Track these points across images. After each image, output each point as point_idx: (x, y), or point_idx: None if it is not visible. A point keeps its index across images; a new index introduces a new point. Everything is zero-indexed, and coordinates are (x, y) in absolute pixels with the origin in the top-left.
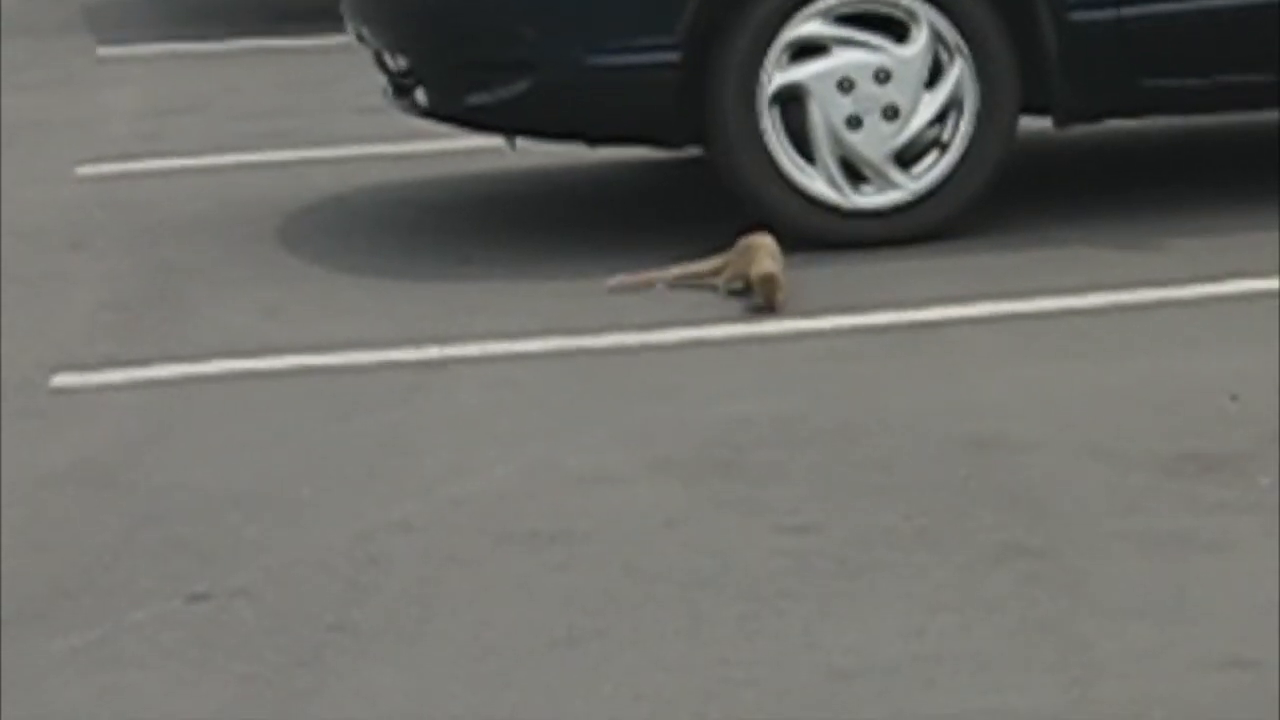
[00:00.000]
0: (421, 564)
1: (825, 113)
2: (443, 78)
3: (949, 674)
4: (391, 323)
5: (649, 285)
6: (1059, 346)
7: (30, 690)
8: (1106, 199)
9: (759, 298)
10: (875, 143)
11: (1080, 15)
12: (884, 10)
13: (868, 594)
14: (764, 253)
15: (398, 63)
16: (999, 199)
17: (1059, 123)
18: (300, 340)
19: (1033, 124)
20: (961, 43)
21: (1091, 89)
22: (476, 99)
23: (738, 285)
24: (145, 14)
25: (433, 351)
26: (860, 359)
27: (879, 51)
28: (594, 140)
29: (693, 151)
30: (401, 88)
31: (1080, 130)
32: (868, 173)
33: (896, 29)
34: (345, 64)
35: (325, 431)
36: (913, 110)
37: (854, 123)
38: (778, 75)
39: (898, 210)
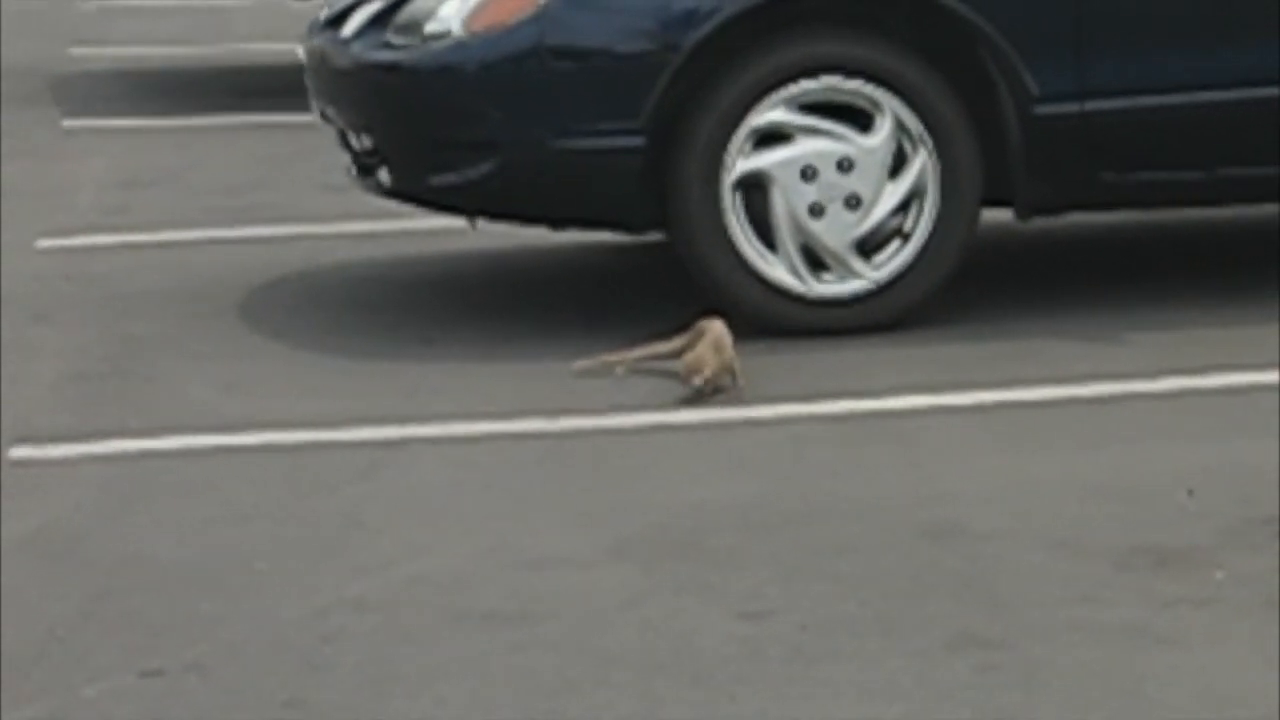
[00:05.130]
0: (377, 642)
1: (788, 200)
2: (406, 158)
3: None
4: (352, 401)
5: (610, 368)
6: (1018, 437)
7: None
8: (1067, 292)
9: (681, 382)
10: (837, 231)
11: (1044, 109)
12: (848, 100)
13: (823, 681)
14: (706, 340)
15: (362, 142)
16: (960, 290)
17: (1021, 215)
18: (260, 417)
19: (995, 216)
20: (925, 133)
21: (1054, 182)
22: (440, 180)
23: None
24: (112, 87)
25: (393, 431)
26: (819, 447)
27: (842, 140)
28: (557, 223)
29: (655, 236)
30: (365, 167)
31: (1042, 223)
32: (829, 261)
33: (860, 118)
34: (310, 142)
35: (283, 508)
36: (875, 200)
37: (816, 211)
38: (741, 162)
39: (859, 299)
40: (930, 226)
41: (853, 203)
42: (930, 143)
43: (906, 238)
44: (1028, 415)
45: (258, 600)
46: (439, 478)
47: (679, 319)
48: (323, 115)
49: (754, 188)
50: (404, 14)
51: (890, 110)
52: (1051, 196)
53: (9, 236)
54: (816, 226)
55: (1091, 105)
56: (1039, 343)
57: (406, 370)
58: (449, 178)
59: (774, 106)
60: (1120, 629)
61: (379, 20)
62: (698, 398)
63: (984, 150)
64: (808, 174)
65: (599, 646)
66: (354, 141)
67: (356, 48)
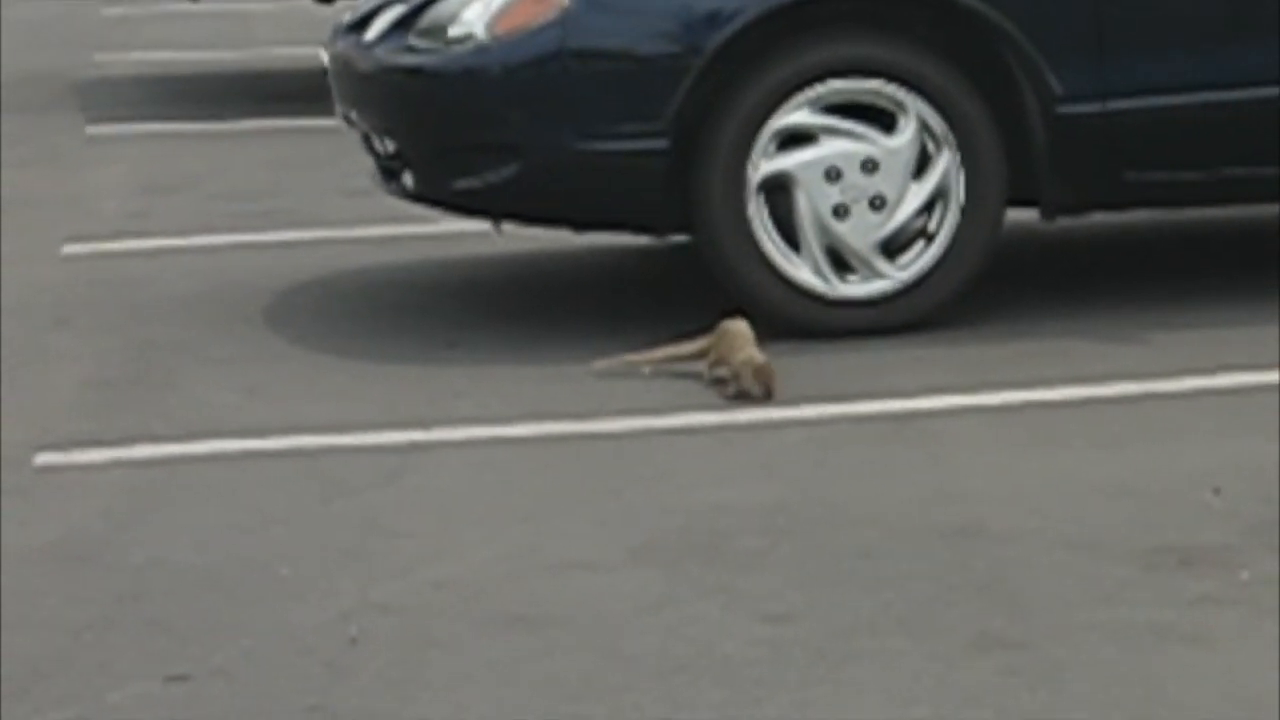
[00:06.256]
0: (401, 647)
1: (812, 202)
2: (430, 161)
3: None
4: (375, 405)
5: (632, 367)
6: (1041, 438)
7: None
8: (1090, 292)
9: (755, 387)
10: (862, 232)
11: (1067, 108)
12: (872, 100)
13: (846, 683)
14: (744, 340)
15: (385, 146)
16: (984, 290)
17: (1045, 215)
18: (283, 421)
19: (1019, 216)
20: (949, 134)
21: (1078, 182)
22: (463, 183)
23: (722, 372)
24: (135, 93)
25: (416, 434)
26: (842, 448)
27: (866, 141)
28: (580, 226)
29: (679, 238)
30: (389, 171)
31: (1065, 223)
32: (854, 262)
33: (884, 119)
34: (333, 146)
35: (307, 512)
36: (899, 200)
37: (841, 212)
38: (765, 164)
39: (883, 300)
40: (954, 227)
41: (877, 203)
42: (954, 143)
43: (931, 238)
44: (1051, 415)
45: (282, 605)
46: (462, 481)
47: (702, 321)
48: (346, 119)
49: (778, 189)
50: (427, 18)
51: (914, 111)
52: (1075, 196)
53: (34, 242)
54: (841, 227)
55: (1114, 105)
56: (1062, 343)
57: (429, 374)
58: (472, 181)
59: (797, 108)
60: (1144, 629)
61: (402, 24)
62: (739, 397)
63: (1008, 150)
64: (832, 175)
65: (622, 650)
66: (378, 145)
67: (380, 52)
